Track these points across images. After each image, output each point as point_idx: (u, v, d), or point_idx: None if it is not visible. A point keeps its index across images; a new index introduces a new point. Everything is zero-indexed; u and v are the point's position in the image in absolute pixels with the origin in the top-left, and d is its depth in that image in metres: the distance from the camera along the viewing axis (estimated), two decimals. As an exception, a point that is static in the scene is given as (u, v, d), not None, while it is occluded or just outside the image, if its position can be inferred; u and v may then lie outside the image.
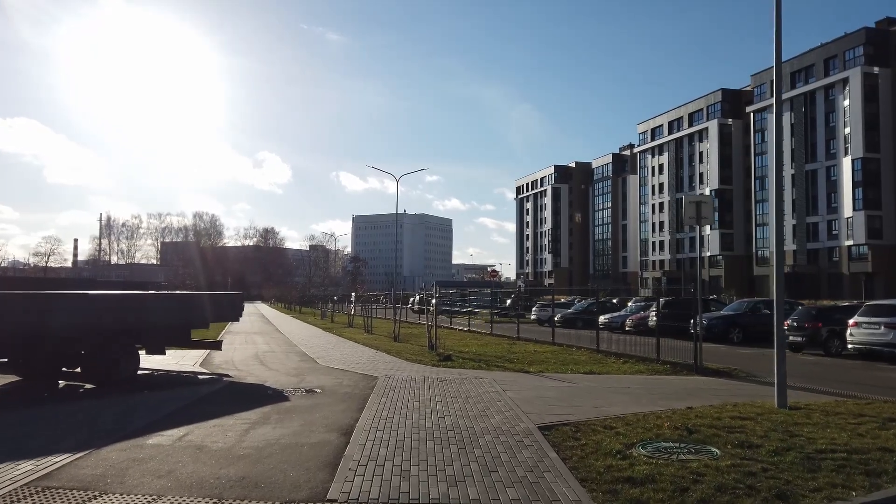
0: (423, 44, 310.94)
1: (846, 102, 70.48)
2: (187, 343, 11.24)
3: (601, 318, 31.50)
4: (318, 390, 9.89)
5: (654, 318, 27.44)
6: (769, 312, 25.46)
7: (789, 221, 78.45)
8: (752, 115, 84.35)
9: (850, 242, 69.79)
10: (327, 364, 13.49)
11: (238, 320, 12.09)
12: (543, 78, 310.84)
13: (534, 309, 39.56)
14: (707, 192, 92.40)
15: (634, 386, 10.46)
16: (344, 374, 11.82)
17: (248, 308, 75.46)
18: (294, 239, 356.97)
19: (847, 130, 70.15)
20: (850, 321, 17.66)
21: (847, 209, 70.12)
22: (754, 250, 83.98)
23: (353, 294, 50.77)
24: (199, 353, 13.71)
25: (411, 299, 60.21)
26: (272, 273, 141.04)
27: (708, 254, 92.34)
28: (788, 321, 20.21)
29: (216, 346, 12.33)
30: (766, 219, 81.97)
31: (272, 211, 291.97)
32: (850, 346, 17.49)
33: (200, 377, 11.23)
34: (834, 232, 73.02)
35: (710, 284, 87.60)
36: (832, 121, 73.15)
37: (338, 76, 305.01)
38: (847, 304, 25.03)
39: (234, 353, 15.89)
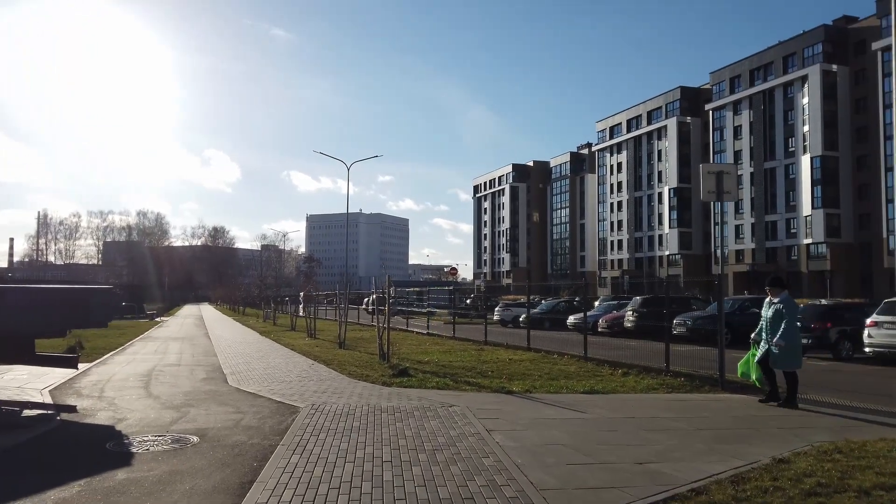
0: (374, 42, 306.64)
1: (805, 100, 70.24)
2: (29, 357, 7.75)
3: (570, 319, 29.05)
4: (194, 439, 6.37)
5: (632, 318, 25.28)
6: (757, 311, 23.44)
7: (748, 220, 78.08)
8: (710, 112, 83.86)
9: (809, 241, 69.53)
10: (238, 384, 10.17)
11: (106, 325, 8.67)
12: (501, 78, 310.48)
13: (496, 309, 36.85)
14: (665, 191, 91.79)
15: (664, 414, 7.60)
16: (253, 404, 8.39)
17: (191, 310, 70.70)
18: (245, 239, 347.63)
19: (806, 128, 69.90)
20: (868, 321, 15.35)
21: (806, 207, 69.86)
22: (713, 249, 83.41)
23: (301, 294, 47.33)
24: (66, 373, 10.21)
25: (366, 300, 57.05)
26: (222, 273, 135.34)
27: (667, 253, 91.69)
28: (790, 321, 17.89)
29: (68, 362, 8.37)
30: (725, 217, 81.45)
31: (222, 210, 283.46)
32: (867, 348, 15.17)
33: (27, 411, 7.55)
34: (793, 230, 72.76)
35: (666, 283, 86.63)
36: (791, 119, 72.90)
37: (286, 73, 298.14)
38: (856, 301, 22.97)
39: (123, 368, 12.42)
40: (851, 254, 67.83)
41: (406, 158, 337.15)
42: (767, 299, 9.03)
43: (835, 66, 67.94)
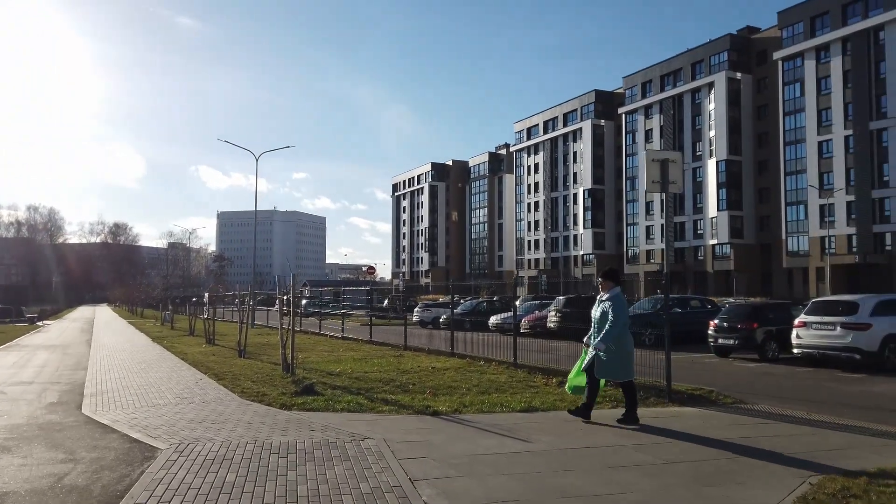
0: (288, 36, 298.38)
1: (711, 106, 73.00)
2: None
3: (492, 320, 28.13)
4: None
5: (555, 319, 24.56)
6: (682, 311, 23.21)
7: (658, 221, 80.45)
8: (623, 116, 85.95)
9: (715, 241, 72.29)
10: (93, 412, 8.03)
11: None
12: (419, 78, 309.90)
13: (416, 310, 35.48)
14: (580, 192, 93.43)
15: (622, 441, 6.34)
16: (97, 444, 6.22)
17: (85, 312, 64.73)
18: (151, 237, 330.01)
19: (712, 133, 72.66)
20: (797, 321, 15.02)
21: (712, 209, 72.59)
22: (625, 249, 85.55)
23: (206, 295, 44.18)
24: None
25: (277, 300, 54.25)
26: (124, 273, 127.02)
27: (581, 252, 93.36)
28: (716, 321, 17.48)
29: None
30: (637, 218, 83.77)
31: (126, 206, 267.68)
32: (796, 350, 14.81)
33: None
34: (699, 231, 75.48)
35: (582, 283, 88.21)
36: (699, 123, 75.67)
37: (194, 64, 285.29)
38: (780, 301, 23.07)
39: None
40: (753, 254, 71.06)
41: (322, 156, 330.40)
42: (599, 296, 7.72)
43: (739, 74, 70.98)
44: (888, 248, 56.82)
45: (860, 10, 58.89)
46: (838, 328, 13.89)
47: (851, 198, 58.78)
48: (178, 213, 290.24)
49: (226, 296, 34.95)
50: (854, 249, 58.59)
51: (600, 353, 7.27)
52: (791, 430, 6.97)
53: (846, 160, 59.64)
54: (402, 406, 7.92)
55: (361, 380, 10.26)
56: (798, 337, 14.73)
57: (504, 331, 26.65)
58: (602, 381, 7.64)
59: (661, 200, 72.07)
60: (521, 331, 26.06)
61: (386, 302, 45.38)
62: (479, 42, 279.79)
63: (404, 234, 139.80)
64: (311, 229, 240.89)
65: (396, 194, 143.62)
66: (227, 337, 20.27)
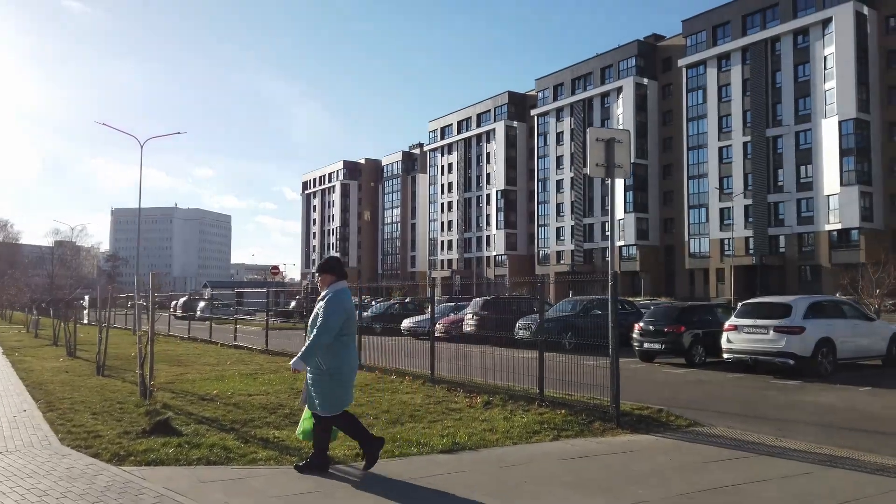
0: (191, 27, 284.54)
1: (619, 110, 74.56)
2: None
3: (405, 323, 26.35)
4: None
5: (472, 322, 23.13)
6: (601, 313, 22.33)
7: (568, 222, 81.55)
8: (535, 118, 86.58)
9: (622, 243, 73.81)
10: None
11: None
12: (332, 74, 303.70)
13: (320, 313, 33.07)
14: (493, 193, 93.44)
15: (578, 496, 4.80)
16: None
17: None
18: (37, 234, 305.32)
19: (621, 137, 74.22)
20: (727, 324, 14.21)
21: (619, 211, 74.10)
22: (536, 250, 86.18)
23: (86, 298, 39.89)
24: None
25: (174, 303, 50.02)
26: (2, 272, 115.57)
27: (494, 253, 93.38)
28: (641, 324, 16.55)
29: None
30: (548, 220, 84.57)
31: (18, 203, 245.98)
32: (726, 354, 13.99)
33: None
34: (607, 233, 76.95)
35: (496, 284, 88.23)
36: (608, 127, 77.09)
37: (84, 50, 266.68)
38: (705, 303, 22.53)
39: None
40: (657, 255, 73.15)
41: (228, 152, 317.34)
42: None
43: (646, 80, 72.86)
44: (782, 249, 59.67)
45: (759, 21, 61.64)
46: (771, 332, 13.13)
47: (749, 202, 61.36)
48: (73, 210, 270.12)
49: (118, 298, 31.49)
50: (751, 251, 61.19)
51: (308, 377, 5.28)
52: (775, 467, 5.67)
53: (744, 165, 62.23)
54: (284, 450, 6.02)
55: (242, 407, 8.22)
56: (729, 341, 13.91)
57: (418, 335, 25.03)
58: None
59: (571, 202, 73.34)
60: (437, 335, 24.57)
61: (293, 304, 42.64)
62: (393, 40, 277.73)
63: (314, 233, 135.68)
64: (216, 228, 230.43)
65: (307, 192, 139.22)
66: (107, 348, 17.37)
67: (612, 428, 7.16)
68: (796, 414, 8.78)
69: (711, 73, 65.12)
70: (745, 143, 62.23)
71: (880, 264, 34.15)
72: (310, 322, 5.46)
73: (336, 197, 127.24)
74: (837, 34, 54.55)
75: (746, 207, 61.79)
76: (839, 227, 54.51)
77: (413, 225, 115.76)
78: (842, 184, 54.14)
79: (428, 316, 28.05)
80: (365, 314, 29.95)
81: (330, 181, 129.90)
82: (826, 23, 55.73)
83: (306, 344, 5.20)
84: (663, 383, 12.18)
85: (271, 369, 12.62)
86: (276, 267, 37.92)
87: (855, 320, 14.21)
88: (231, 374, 11.88)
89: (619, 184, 77.69)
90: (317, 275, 5.61)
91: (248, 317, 23.34)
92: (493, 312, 21.85)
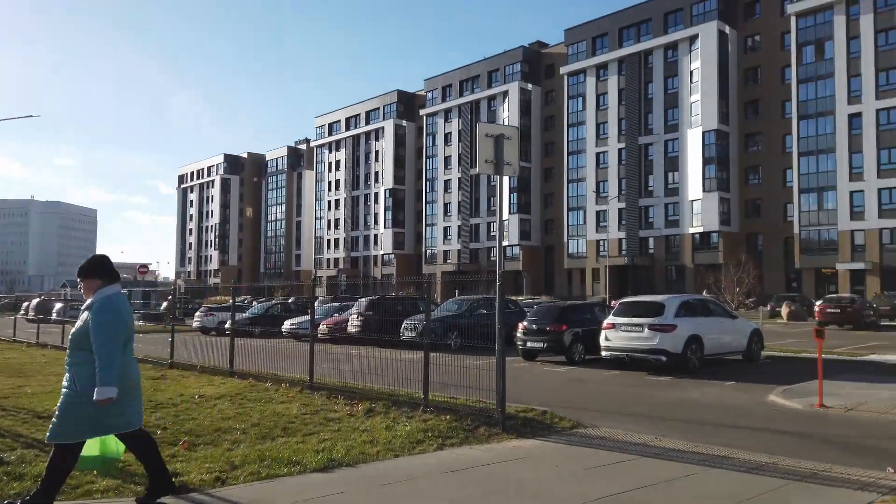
0: (57, 5, 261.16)
1: (505, 114, 76.39)
2: None
3: (286, 325, 25.25)
4: None
5: (357, 323, 22.50)
6: (487, 312, 22.43)
7: (455, 222, 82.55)
8: (424, 118, 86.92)
9: (506, 243, 75.71)
10: None
11: None
12: (212, 63, 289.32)
13: (197, 314, 31.22)
14: (382, 191, 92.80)
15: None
16: None
17: None
18: None
19: (506, 139, 76.02)
20: (605, 322, 14.62)
21: (504, 212, 75.83)
22: (423, 249, 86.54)
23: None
24: None
25: (25, 304, 45.34)
26: None
27: (381, 252, 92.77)
28: (525, 323, 16.73)
29: None
30: (436, 219, 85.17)
31: None
32: (605, 352, 14.39)
33: None
34: (492, 233, 78.63)
35: (382, 283, 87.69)
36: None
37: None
38: (584, 301, 23.11)
39: None
40: (538, 255, 75.72)
41: (94, 141, 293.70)
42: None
43: (530, 85, 75.16)
44: (651, 251, 63.59)
45: (634, 34, 65.34)
46: (646, 330, 13.62)
47: (623, 205, 64.89)
48: None
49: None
50: (624, 252, 64.73)
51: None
52: (659, 470, 5.63)
53: (619, 171, 65.72)
54: (130, 478, 5.20)
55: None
56: (607, 339, 14.30)
57: (300, 337, 24.03)
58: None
59: (458, 203, 74.15)
60: (319, 336, 23.74)
61: (164, 305, 39.93)
62: (280, 32, 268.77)
63: (191, 230, 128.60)
64: (80, 223, 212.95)
65: (183, 186, 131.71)
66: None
67: (498, 433, 6.93)
68: (672, 411, 9.02)
69: (590, 82, 68.23)
70: (619, 150, 65.75)
71: (741, 264, 37.10)
72: (71, 338, 4.49)
73: (216, 192, 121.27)
74: (702, 50, 58.91)
75: (620, 211, 65.29)
76: (701, 230, 58.87)
77: (298, 223, 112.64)
78: (704, 190, 58.49)
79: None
80: (243, 316, 28.61)
81: (209, 175, 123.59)
82: (693, 39, 60.03)
83: (98, 369, 4.26)
84: (546, 382, 12.27)
85: (131, 378, 11.40)
86: (143, 265, 35.12)
87: (720, 318, 15.09)
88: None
89: (504, 185, 79.17)
90: (79, 280, 4.61)
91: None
92: (378, 313, 21.33)
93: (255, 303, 38.06)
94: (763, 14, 58.87)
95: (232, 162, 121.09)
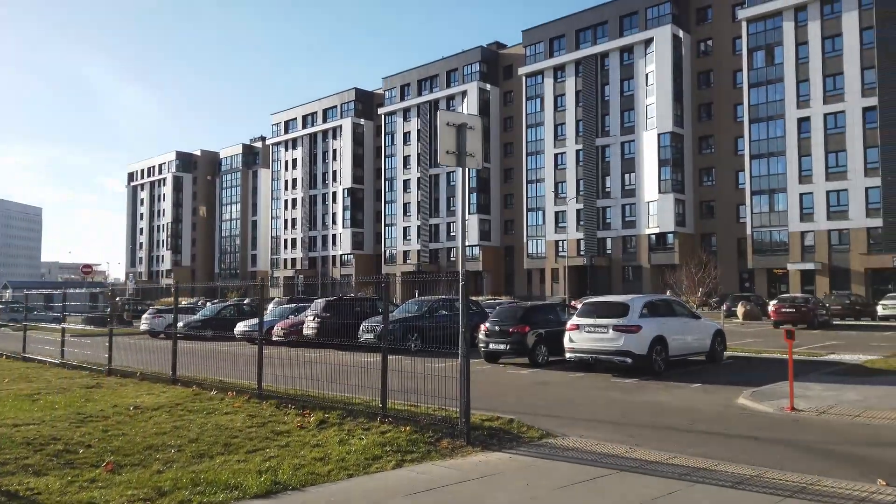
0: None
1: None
2: None
3: (239, 327, 24.21)
4: None
5: (314, 325, 21.69)
6: (448, 314, 21.89)
7: (415, 222, 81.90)
8: (383, 116, 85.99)
9: (468, 243, 75.42)
10: None
11: None
12: (164, 58, 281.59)
13: (144, 316, 29.80)
14: (340, 190, 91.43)
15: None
16: None
17: None
18: None
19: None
20: (569, 324, 14.25)
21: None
22: (383, 250, 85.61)
23: None
24: None
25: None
26: None
27: (339, 252, 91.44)
28: (487, 324, 16.26)
29: None
30: (395, 219, 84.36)
31: None
32: (569, 354, 14.02)
33: None
34: (452, 233, 78.27)
35: (341, 284, 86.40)
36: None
37: None
38: (546, 302, 22.72)
39: None
40: (498, 255, 75.66)
41: (40, 138, 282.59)
42: None
43: (488, 86, 75.04)
44: (609, 251, 64.14)
45: (590, 36, 65.83)
46: (610, 331, 13.30)
47: (581, 206, 65.27)
48: None
49: None
50: (582, 252, 65.11)
51: None
52: (639, 487, 5.18)
53: (577, 172, 66.09)
54: (38, 508, 4.49)
55: (-1, 443, 6.39)
56: (571, 341, 13.94)
57: (254, 340, 23.07)
58: None
59: (418, 203, 73.56)
60: (274, 339, 22.85)
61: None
62: (235, 26, 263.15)
63: (142, 229, 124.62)
64: (23, 222, 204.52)
65: (133, 184, 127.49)
66: None
67: (462, 446, 6.39)
68: (642, 417, 8.65)
69: (548, 83, 68.47)
70: (577, 151, 66.12)
71: (703, 264, 37.43)
72: None
73: (167, 190, 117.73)
74: (657, 54, 59.68)
75: (578, 211, 65.66)
76: (657, 230, 59.61)
77: (254, 222, 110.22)
78: (659, 191, 59.25)
79: (266, 319, 26.26)
80: (193, 318, 27.41)
81: (161, 173, 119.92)
82: (648, 43, 60.75)
83: None
84: (510, 386, 11.82)
85: (62, 386, 10.48)
86: (87, 265, 33.43)
87: (684, 318, 14.89)
88: (4, 395, 9.62)
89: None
90: None
91: (53, 324, 19.95)
92: (336, 314, 20.60)
93: (208, 304, 36.72)
94: (715, 19, 59.99)
95: (185, 159, 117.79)
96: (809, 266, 50.78)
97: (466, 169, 7.46)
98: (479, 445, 6.42)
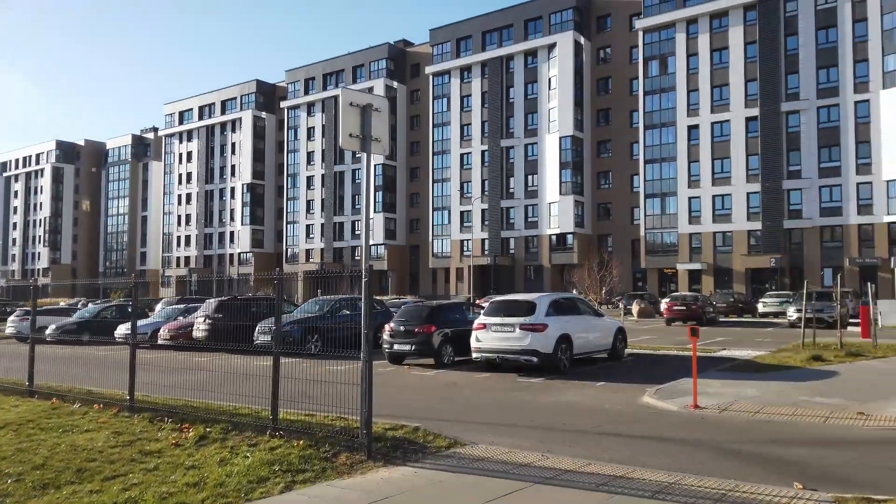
0: None
1: (371, 111, 74.89)
2: None
3: (120, 329, 22.38)
4: None
5: (204, 327, 20.21)
6: (351, 313, 21.03)
7: (318, 220, 79.88)
8: (286, 110, 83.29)
9: (371, 242, 74.38)
10: None
11: None
12: (38, 37, 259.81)
13: (10, 319, 26.99)
14: (239, 186, 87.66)
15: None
16: None
17: None
18: None
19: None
20: (476, 323, 13.90)
21: (370, 210, 74.43)
22: (284, 248, 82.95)
23: None
24: None
25: None
26: None
27: (238, 251, 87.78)
28: (392, 324, 15.65)
29: None
30: (298, 217, 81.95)
31: None
32: (476, 354, 13.67)
33: None
34: (357, 232, 76.97)
35: (238, 283, 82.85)
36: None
37: None
38: (451, 301, 22.29)
39: None
40: (404, 254, 75.14)
41: None
42: None
43: (395, 83, 74.31)
44: (512, 251, 65.18)
45: (496, 38, 66.61)
46: (517, 330, 13.05)
47: (486, 206, 65.94)
48: None
49: None
50: (486, 252, 65.78)
51: None
52: (553, 501, 4.73)
53: (482, 172, 66.71)
54: None
55: None
56: (478, 340, 13.59)
57: (139, 344, 21.44)
58: None
59: (321, 200, 71.65)
60: (160, 342, 21.24)
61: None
62: (123, 9, 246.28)
63: (15, 223, 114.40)
64: None
65: (7, 175, 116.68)
66: None
67: (363, 461, 5.75)
68: (551, 419, 8.34)
69: (455, 83, 68.68)
70: (482, 152, 66.74)
71: (605, 264, 38.53)
72: None
73: (46, 182, 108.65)
74: (560, 59, 61.24)
75: (483, 211, 66.29)
76: (558, 231, 61.18)
77: (144, 218, 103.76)
78: (560, 193, 60.85)
79: (151, 320, 24.44)
80: (68, 320, 25.01)
81: (38, 163, 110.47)
82: (551, 47, 62.23)
83: None
84: (416, 389, 11.27)
85: None
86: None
87: (588, 316, 14.93)
88: None
89: (371, 169, 77.76)
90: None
91: None
92: (229, 315, 19.24)
93: (88, 304, 33.88)
94: (613, 28, 62.34)
95: (66, 149, 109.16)
96: (697, 266, 53.74)
97: (371, 155, 6.81)
98: (382, 459, 5.81)
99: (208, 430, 6.66)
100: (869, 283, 24.51)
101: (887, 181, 46.68)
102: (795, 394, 9.89)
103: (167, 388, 9.25)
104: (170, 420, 7.20)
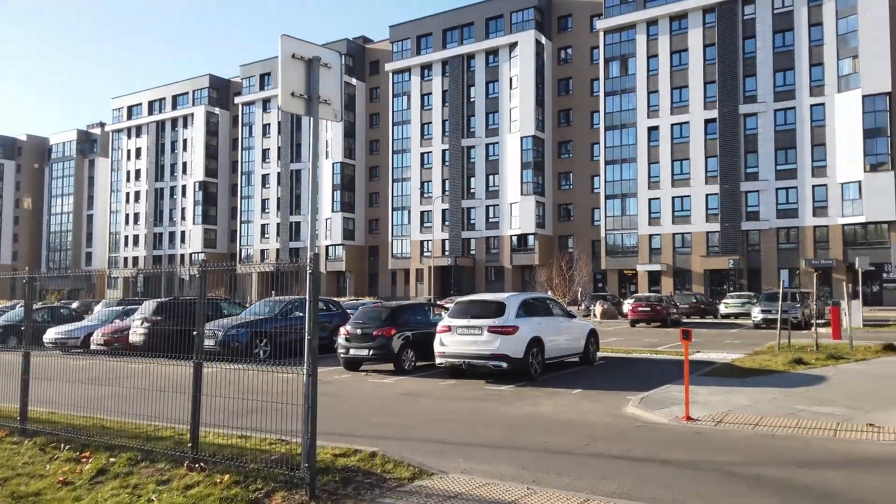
0: None
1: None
2: None
3: (50, 334, 20.59)
4: None
5: (142, 330, 18.57)
6: (304, 315, 19.71)
7: (274, 220, 77.66)
8: (240, 106, 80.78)
9: (329, 242, 72.54)
10: None
11: None
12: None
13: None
14: (190, 184, 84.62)
15: None
16: None
17: None
18: None
19: (329, 135, 72.75)
20: (440, 325, 12.75)
21: (326, 210, 72.68)
22: (238, 248, 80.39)
23: None
24: None
25: None
26: None
27: (189, 251, 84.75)
28: (348, 327, 14.37)
29: None
30: (252, 216, 79.54)
31: None
32: (440, 359, 12.51)
33: None
34: (315, 231, 74.96)
35: (190, 283, 79.85)
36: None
37: None
38: (412, 302, 21.11)
39: None
40: (362, 255, 73.53)
41: None
42: None
43: (354, 80, 72.65)
44: (473, 252, 64.30)
45: (457, 36, 65.68)
46: (485, 332, 11.96)
47: (446, 206, 64.89)
48: None
49: None
50: (447, 252, 64.75)
51: None
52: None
53: (443, 171, 65.65)
54: None
55: None
56: (442, 344, 12.45)
57: (69, 349, 19.70)
58: None
59: (277, 199, 69.51)
60: (94, 347, 19.53)
61: None
62: None
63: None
64: None
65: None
66: None
67: (305, 500, 4.53)
68: (531, 436, 7.26)
69: (415, 81, 67.48)
70: (443, 151, 65.68)
71: (574, 262, 37.77)
72: None
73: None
74: (521, 58, 60.66)
75: (444, 211, 65.23)
76: (519, 232, 60.56)
77: (90, 216, 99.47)
78: (521, 193, 60.25)
79: (85, 323, 22.56)
80: (-9, 324, 22.90)
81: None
82: (512, 47, 61.61)
83: None
84: (373, 400, 10.06)
85: None
86: None
87: (559, 318, 13.95)
88: None
89: (327, 182, 76.39)
90: None
91: None
92: (169, 318, 17.64)
93: (17, 307, 31.47)
94: (574, 28, 62.09)
95: (6, 145, 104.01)
96: (656, 267, 53.75)
97: (321, 121, 5.60)
98: (328, 500, 4.61)
99: (112, 460, 5.35)
100: (845, 283, 24.41)
101: (842, 184, 47.44)
102: (790, 402, 9.07)
103: (84, 402, 7.83)
104: (67, 447, 5.84)
